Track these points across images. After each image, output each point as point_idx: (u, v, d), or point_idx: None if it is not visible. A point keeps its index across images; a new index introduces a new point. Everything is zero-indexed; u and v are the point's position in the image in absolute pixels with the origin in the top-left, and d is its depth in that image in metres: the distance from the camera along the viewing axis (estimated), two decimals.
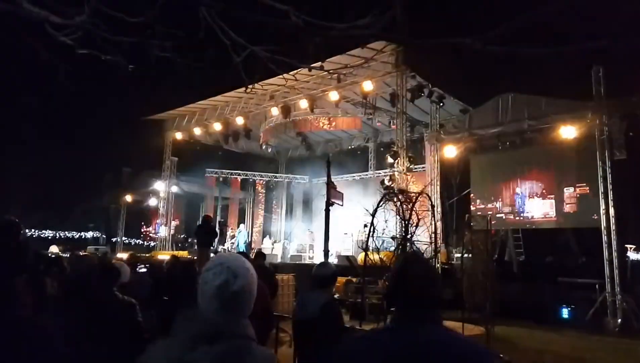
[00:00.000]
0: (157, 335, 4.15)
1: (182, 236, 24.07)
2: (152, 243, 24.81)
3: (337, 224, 15.00)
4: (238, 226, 20.54)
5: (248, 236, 19.94)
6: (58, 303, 3.12)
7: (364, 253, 8.82)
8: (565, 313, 11.19)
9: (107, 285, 3.25)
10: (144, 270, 7.13)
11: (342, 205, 13.99)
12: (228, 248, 19.80)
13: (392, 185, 13.81)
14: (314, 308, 3.58)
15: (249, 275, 1.54)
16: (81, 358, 2.55)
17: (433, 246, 9.63)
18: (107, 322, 2.87)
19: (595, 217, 11.67)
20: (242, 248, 18.02)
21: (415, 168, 15.69)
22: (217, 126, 19.67)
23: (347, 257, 13.21)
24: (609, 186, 11.37)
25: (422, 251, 9.03)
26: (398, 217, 9.06)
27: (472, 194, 15.05)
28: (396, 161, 14.44)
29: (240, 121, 18.81)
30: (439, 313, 1.61)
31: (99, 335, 2.75)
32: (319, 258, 17.12)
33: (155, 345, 1.46)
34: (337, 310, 3.85)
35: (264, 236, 21.97)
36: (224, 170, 22.49)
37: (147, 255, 17.57)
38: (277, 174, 23.08)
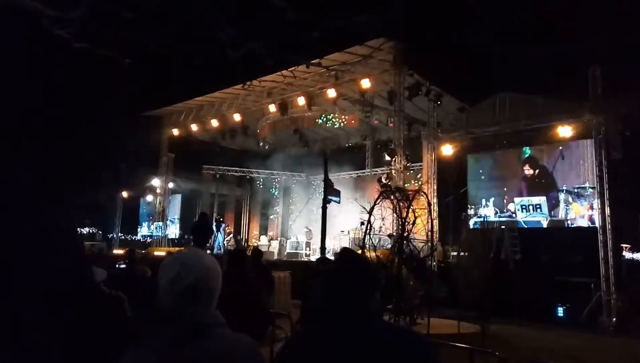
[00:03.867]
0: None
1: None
2: (148, 240, 24.74)
3: (334, 222, 15.03)
4: (221, 223, 20.58)
5: (224, 234, 19.94)
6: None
7: (361, 251, 8.83)
8: (560, 311, 11.23)
9: (92, 278, 3.22)
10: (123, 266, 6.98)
11: (339, 202, 14.02)
12: (225, 244, 19.78)
13: (389, 183, 13.82)
14: None
15: (204, 268, 1.53)
16: (66, 353, 2.54)
17: (429, 244, 9.65)
18: (91, 317, 2.85)
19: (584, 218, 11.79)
20: (217, 246, 18.17)
21: (413, 166, 15.70)
22: (214, 123, 19.62)
23: None
24: (605, 186, 11.41)
25: (419, 250, 9.06)
26: (395, 215, 9.07)
27: (468, 193, 15.07)
28: (393, 159, 14.45)
29: (237, 117, 18.76)
30: (369, 306, 1.61)
31: (84, 330, 2.74)
32: (316, 256, 17.13)
33: (132, 349, 1.45)
34: None
35: (260, 234, 21.95)
36: (220, 167, 22.45)
37: (143, 251, 17.54)
38: (274, 172, 23.04)
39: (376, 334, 1.54)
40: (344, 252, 1.81)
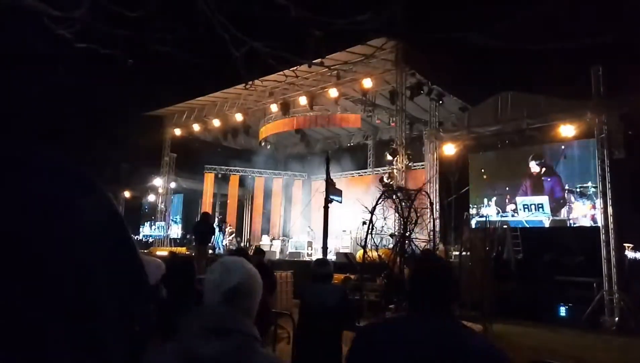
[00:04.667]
0: (154, 331, 4.15)
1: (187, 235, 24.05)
2: (150, 239, 24.78)
3: (336, 222, 15.00)
4: (223, 223, 20.59)
5: (223, 235, 20.00)
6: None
7: (362, 251, 8.83)
8: (562, 311, 11.21)
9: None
10: None
11: (340, 202, 13.99)
12: (227, 244, 19.80)
13: (391, 182, 13.82)
14: (333, 297, 3.67)
15: (245, 272, 1.59)
16: (68, 352, 2.54)
17: (431, 244, 9.65)
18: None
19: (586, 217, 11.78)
20: (219, 245, 18.22)
21: (414, 166, 15.69)
22: (216, 123, 19.65)
23: (346, 254, 13.23)
24: (608, 185, 11.39)
25: (421, 249, 9.05)
26: (397, 214, 9.07)
27: (470, 193, 15.05)
28: (395, 158, 14.45)
29: (239, 117, 18.78)
30: (451, 307, 1.75)
31: (84, 328, 2.74)
32: (317, 255, 17.12)
33: (167, 342, 1.48)
34: (353, 300, 4.00)
35: (262, 233, 21.95)
36: (222, 167, 22.47)
37: (145, 250, 17.57)
38: (275, 171, 23.05)
39: (461, 334, 1.64)
40: (427, 255, 1.98)
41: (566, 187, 13.10)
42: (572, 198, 12.96)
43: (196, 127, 20.73)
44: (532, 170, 13.83)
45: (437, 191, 14.27)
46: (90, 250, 0.70)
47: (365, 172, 21.58)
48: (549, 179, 13.57)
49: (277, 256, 17.65)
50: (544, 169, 13.66)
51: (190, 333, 1.41)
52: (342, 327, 3.63)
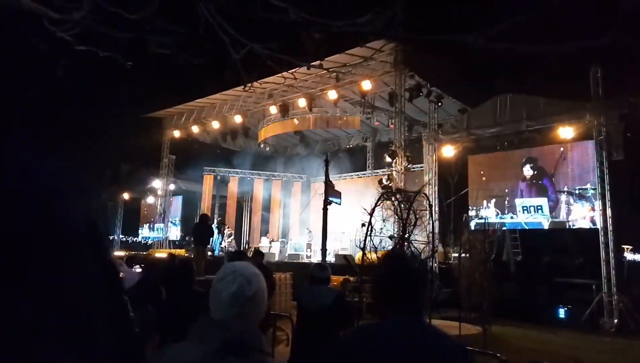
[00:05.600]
0: (152, 332, 4.15)
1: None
2: (149, 241, 24.76)
3: (335, 223, 15.00)
4: (222, 225, 20.60)
5: (222, 237, 20.01)
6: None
7: (361, 252, 8.82)
8: (561, 313, 11.22)
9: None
10: (138, 269, 7.06)
11: (339, 204, 13.99)
12: (225, 246, 19.78)
13: (390, 184, 13.82)
14: (328, 298, 3.70)
15: (260, 280, 1.59)
16: (69, 355, 2.54)
17: (430, 245, 9.64)
18: (94, 317, 2.85)
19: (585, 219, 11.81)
20: (217, 247, 18.23)
21: (413, 168, 15.69)
22: (216, 124, 19.66)
23: (345, 256, 13.19)
24: (607, 187, 11.40)
25: (420, 251, 9.05)
26: (396, 216, 9.06)
27: (469, 194, 15.06)
28: (394, 160, 14.45)
29: (238, 119, 18.79)
30: (421, 307, 1.74)
31: (85, 330, 2.74)
32: (316, 257, 17.11)
33: (175, 348, 1.46)
34: (349, 301, 4.03)
35: (261, 235, 21.94)
36: (221, 168, 22.47)
37: (144, 253, 17.55)
38: (275, 173, 23.05)
39: (427, 335, 1.64)
40: (393, 255, 1.94)
41: (565, 189, 13.10)
42: (571, 200, 12.96)
43: (195, 129, 20.73)
44: (525, 173, 13.87)
45: (436, 193, 14.28)
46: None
47: (365, 174, 21.58)
48: (541, 182, 13.60)
49: (276, 258, 17.64)
50: (536, 172, 13.70)
51: (207, 347, 1.40)
52: (340, 328, 3.65)
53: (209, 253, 15.36)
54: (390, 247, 9.04)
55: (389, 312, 1.69)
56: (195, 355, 1.39)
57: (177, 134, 21.53)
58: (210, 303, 1.54)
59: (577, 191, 12.87)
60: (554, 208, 13.24)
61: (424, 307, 1.78)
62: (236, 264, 1.66)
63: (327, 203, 11.51)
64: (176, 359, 1.43)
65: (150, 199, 24.35)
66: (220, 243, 19.78)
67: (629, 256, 14.13)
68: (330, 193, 11.95)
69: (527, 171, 13.89)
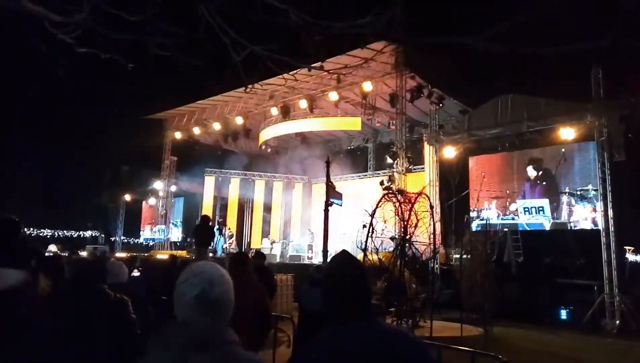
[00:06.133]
0: (153, 333, 4.14)
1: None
2: (151, 243, 24.78)
3: (336, 225, 15.00)
4: (223, 226, 20.59)
5: (225, 238, 20.02)
6: (49, 301, 3.12)
7: (362, 254, 8.83)
8: (563, 314, 11.19)
9: (97, 282, 3.23)
10: (136, 274, 6.96)
11: (341, 205, 14.00)
12: (226, 247, 19.78)
13: (391, 185, 13.82)
14: None
15: (225, 281, 1.56)
16: (72, 356, 2.55)
17: (432, 247, 9.64)
18: (97, 319, 2.86)
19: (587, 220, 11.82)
20: (219, 249, 18.22)
21: (415, 169, 15.69)
22: (217, 126, 19.67)
23: None
24: (608, 188, 11.39)
25: (421, 252, 9.05)
26: (397, 218, 9.07)
27: (471, 196, 15.05)
28: (395, 161, 14.45)
29: (239, 120, 18.81)
30: (368, 309, 1.66)
31: (89, 333, 2.75)
32: (318, 259, 17.10)
33: (146, 359, 1.45)
34: None
35: (262, 237, 21.94)
36: (223, 170, 22.48)
37: (145, 254, 17.56)
38: (276, 174, 23.05)
39: (377, 338, 1.57)
40: (340, 256, 1.82)
41: (567, 190, 13.09)
42: (573, 201, 12.95)
43: (197, 130, 20.75)
44: (529, 174, 13.86)
45: (438, 194, 14.27)
46: None
47: (366, 175, 21.57)
48: (545, 183, 13.59)
49: (278, 260, 17.64)
50: (540, 172, 13.69)
51: (178, 347, 1.38)
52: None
53: (211, 255, 15.37)
54: (392, 248, 9.05)
55: (339, 318, 1.62)
56: (162, 359, 1.37)
57: (178, 135, 21.56)
58: (175, 307, 1.51)
59: (578, 192, 12.86)
60: (554, 209, 13.23)
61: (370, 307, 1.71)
62: (201, 265, 1.62)
63: (328, 204, 11.52)
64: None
65: (151, 201, 24.37)
66: (223, 245, 19.77)
67: (630, 257, 14.10)
68: (332, 194, 11.96)
69: (531, 171, 13.88)
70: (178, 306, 1.50)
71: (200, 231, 12.51)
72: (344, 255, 1.83)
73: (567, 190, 13.10)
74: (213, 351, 1.38)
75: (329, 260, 2.04)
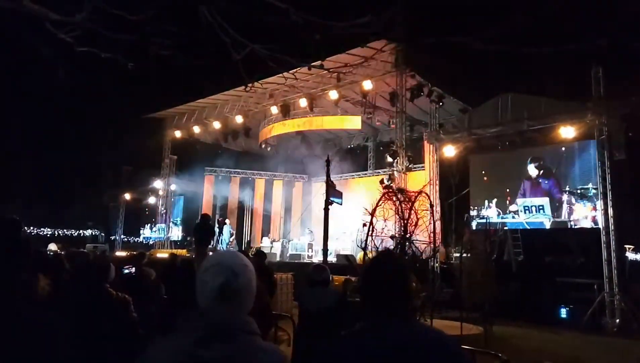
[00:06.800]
0: (156, 332, 4.16)
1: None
2: (151, 241, 24.77)
3: (336, 224, 15.00)
4: (222, 223, 20.59)
5: (230, 235, 20.03)
6: (50, 300, 3.13)
7: (363, 252, 8.83)
8: (563, 313, 11.20)
9: (99, 281, 3.24)
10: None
11: (341, 204, 14.01)
12: (226, 246, 19.76)
13: (391, 184, 13.82)
14: (329, 300, 3.74)
15: (248, 271, 1.55)
16: (74, 355, 2.56)
17: (432, 245, 9.65)
18: (98, 318, 2.87)
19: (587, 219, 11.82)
20: (226, 240, 18.29)
21: (415, 168, 15.68)
22: (217, 125, 19.66)
23: (346, 256, 13.21)
24: (608, 187, 11.39)
25: (421, 251, 9.06)
26: (397, 216, 9.07)
27: (471, 194, 15.05)
28: (395, 160, 14.44)
29: (239, 119, 18.80)
30: (407, 308, 1.69)
31: (90, 331, 2.75)
32: (318, 257, 17.11)
33: (163, 341, 1.47)
34: (350, 302, 4.05)
35: (263, 235, 21.94)
36: (223, 168, 22.47)
37: (146, 252, 17.54)
38: (276, 173, 23.05)
39: (418, 335, 1.61)
40: (382, 254, 1.87)
41: (567, 189, 13.10)
42: (573, 200, 12.95)
43: (196, 129, 20.74)
44: (530, 173, 13.85)
45: (438, 192, 14.27)
46: None
47: (366, 174, 21.57)
48: (546, 182, 13.59)
49: (278, 258, 17.65)
50: (542, 171, 13.69)
51: (194, 336, 1.41)
52: (341, 329, 3.67)
53: (210, 253, 15.37)
54: (392, 247, 9.05)
55: (379, 314, 1.65)
56: (181, 347, 1.39)
57: (178, 134, 21.55)
58: (197, 296, 1.52)
59: (578, 191, 12.87)
60: (556, 208, 13.23)
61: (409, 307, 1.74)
62: (221, 254, 1.63)
63: (328, 203, 11.52)
64: (163, 352, 1.43)
65: (151, 200, 24.37)
66: (227, 242, 19.74)
67: (630, 255, 14.11)
68: (332, 193, 11.96)
69: (532, 170, 13.87)
70: (201, 297, 1.51)
71: (200, 229, 12.51)
72: (386, 252, 1.87)
73: (567, 189, 13.10)
74: (234, 341, 1.40)
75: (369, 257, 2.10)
